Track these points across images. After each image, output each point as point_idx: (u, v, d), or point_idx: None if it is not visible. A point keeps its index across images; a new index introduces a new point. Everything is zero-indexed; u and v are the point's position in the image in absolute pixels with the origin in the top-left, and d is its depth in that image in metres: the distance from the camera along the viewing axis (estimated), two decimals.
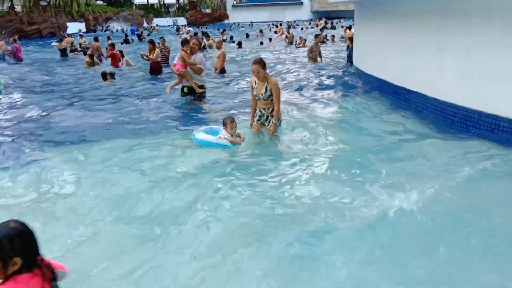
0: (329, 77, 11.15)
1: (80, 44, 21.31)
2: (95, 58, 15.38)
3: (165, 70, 12.55)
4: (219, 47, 11.95)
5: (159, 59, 12.36)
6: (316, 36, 14.01)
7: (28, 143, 5.98)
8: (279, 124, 5.76)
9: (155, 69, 12.21)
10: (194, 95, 7.94)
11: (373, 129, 6.21)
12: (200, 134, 5.38)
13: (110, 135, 6.39)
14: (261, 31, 30.07)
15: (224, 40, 20.79)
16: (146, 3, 51.76)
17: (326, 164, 4.69)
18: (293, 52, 18.37)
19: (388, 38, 8.47)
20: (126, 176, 4.59)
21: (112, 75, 11.71)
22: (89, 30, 37.30)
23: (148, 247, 3.18)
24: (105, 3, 46.79)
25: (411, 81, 7.37)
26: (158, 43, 13.30)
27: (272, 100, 5.52)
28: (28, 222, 1.83)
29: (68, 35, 25.27)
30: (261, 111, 5.70)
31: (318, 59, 13.73)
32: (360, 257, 2.92)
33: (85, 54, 16.51)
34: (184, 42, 7.65)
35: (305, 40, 20.13)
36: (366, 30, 10.19)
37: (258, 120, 5.75)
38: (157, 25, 41.47)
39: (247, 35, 28.29)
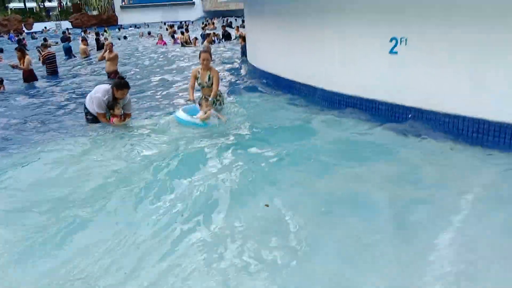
0: (228, 73, 11.51)
1: None
2: None
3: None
4: (110, 49, 11.48)
5: (31, 67, 11.76)
6: (207, 35, 14.23)
7: None
8: (223, 103, 6.68)
9: (30, 77, 11.65)
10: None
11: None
12: (180, 112, 6.14)
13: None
14: (149, 32, 29.84)
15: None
16: (24, 7, 47.54)
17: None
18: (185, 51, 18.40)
19: (275, 35, 8.97)
20: None
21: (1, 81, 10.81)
22: None
23: None
24: None
25: (297, 73, 7.94)
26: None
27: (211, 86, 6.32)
28: None
29: None
30: (206, 97, 6.23)
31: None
32: None
33: None
34: None
35: (196, 39, 20.28)
36: (255, 27, 10.64)
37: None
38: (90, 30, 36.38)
39: (124, 37, 28.31)
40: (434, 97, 5.33)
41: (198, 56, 6.61)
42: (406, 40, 5.48)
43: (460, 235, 3.08)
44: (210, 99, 6.20)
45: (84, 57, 16.85)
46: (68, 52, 17.51)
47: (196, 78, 6.44)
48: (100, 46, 19.23)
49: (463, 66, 4.95)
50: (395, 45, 5.63)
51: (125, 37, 28.06)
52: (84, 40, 18.47)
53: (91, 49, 18.92)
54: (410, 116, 5.66)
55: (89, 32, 32.03)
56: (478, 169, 4.19)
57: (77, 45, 19.41)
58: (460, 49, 4.93)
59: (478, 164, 4.31)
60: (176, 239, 3.17)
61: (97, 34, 25.08)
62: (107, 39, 20.78)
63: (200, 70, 6.40)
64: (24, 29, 40.01)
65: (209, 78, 6.34)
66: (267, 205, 3.56)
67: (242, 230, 3.24)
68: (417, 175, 4.15)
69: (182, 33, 23.38)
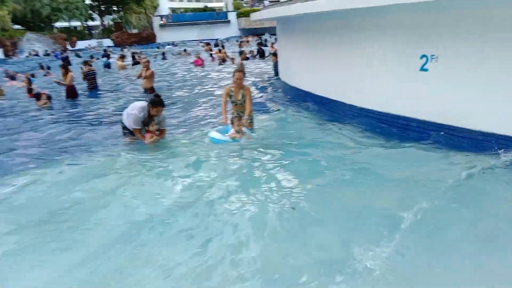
0: (259, 89, 11.70)
1: None
2: None
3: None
4: (147, 67, 11.95)
5: (73, 83, 12.41)
6: (241, 53, 14.48)
7: None
8: (253, 120, 6.75)
9: (70, 93, 12.28)
10: None
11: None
12: (213, 132, 6.49)
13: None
14: (185, 50, 30.15)
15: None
16: (68, 25, 49.98)
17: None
18: (221, 69, 18.81)
19: (305, 52, 9.09)
20: None
21: (49, 97, 11.52)
22: (7, 56, 35.43)
23: None
24: (24, 27, 44.51)
25: (326, 90, 8.01)
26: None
27: (245, 103, 6.48)
28: None
29: None
30: (239, 114, 6.49)
31: None
32: None
33: None
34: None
35: (233, 58, 20.66)
36: (286, 45, 10.81)
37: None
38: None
39: (163, 56, 27.59)
40: (465, 115, 5.26)
41: (232, 74, 6.75)
42: (436, 57, 5.46)
43: None
44: (245, 116, 6.36)
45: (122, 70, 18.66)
46: (107, 67, 19.73)
47: (228, 95, 6.60)
48: (135, 62, 20.66)
49: (496, 84, 4.87)
50: (425, 63, 5.62)
51: (163, 56, 27.30)
52: (122, 57, 19.61)
53: (127, 65, 20.22)
54: (441, 133, 5.60)
55: (127, 50, 33.16)
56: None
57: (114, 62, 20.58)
58: (492, 66, 4.86)
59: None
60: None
61: (133, 53, 26.10)
62: (139, 57, 21.71)
63: (232, 88, 6.56)
64: (68, 46, 42.05)
65: (242, 96, 6.51)
66: (293, 208, 3.68)
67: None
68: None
69: (220, 50, 23.94)
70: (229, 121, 6.47)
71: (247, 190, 4.34)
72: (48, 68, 21.61)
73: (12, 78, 17.36)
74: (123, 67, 19.36)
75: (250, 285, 2.86)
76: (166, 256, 3.26)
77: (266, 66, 17.61)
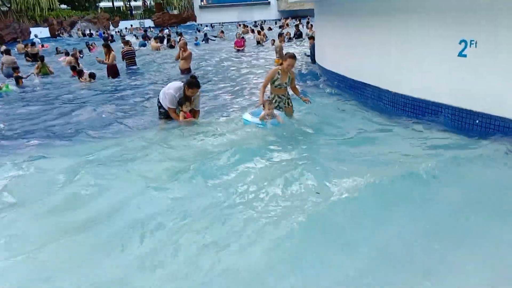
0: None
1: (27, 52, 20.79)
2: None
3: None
4: (184, 48, 12.15)
5: (115, 62, 12.92)
6: (280, 35, 14.42)
7: None
8: (291, 103, 6.75)
9: (112, 72, 12.80)
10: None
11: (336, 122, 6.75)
12: (246, 114, 6.60)
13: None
14: (222, 31, 30.19)
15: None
16: (112, 6, 51.15)
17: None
18: (259, 52, 18.81)
19: (341, 36, 8.97)
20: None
21: (93, 75, 12.09)
22: (53, 35, 36.72)
23: None
24: (69, 7, 45.96)
25: (365, 75, 7.90)
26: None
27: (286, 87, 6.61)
28: None
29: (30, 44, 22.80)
30: (280, 97, 6.60)
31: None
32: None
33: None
34: None
35: (274, 40, 20.59)
36: (323, 28, 10.68)
37: (277, 106, 6.55)
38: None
39: (205, 36, 27.50)
40: (503, 103, 5.10)
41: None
42: (476, 42, 5.29)
43: None
44: (301, 95, 6.73)
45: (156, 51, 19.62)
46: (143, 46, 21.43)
47: (272, 79, 6.50)
48: (170, 45, 21.39)
49: None
50: (464, 48, 5.45)
51: (206, 37, 26.52)
52: (157, 38, 20.38)
53: (162, 46, 21.28)
54: (477, 121, 5.46)
55: (168, 31, 33.63)
56: None
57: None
58: None
59: None
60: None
61: (168, 35, 26.39)
62: (174, 40, 22.19)
63: (280, 71, 6.45)
64: (111, 26, 43.15)
65: (288, 79, 6.48)
66: (318, 193, 3.76)
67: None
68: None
69: (259, 31, 23.89)
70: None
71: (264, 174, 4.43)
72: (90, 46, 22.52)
73: (66, 54, 18.12)
74: (158, 48, 20.36)
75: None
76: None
77: (304, 48, 17.47)
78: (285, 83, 6.49)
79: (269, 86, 6.56)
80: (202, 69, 14.12)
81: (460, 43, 5.48)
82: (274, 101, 6.55)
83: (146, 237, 3.32)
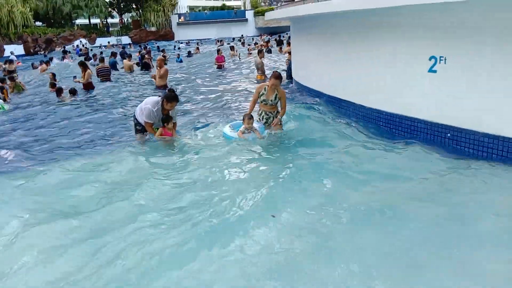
0: None
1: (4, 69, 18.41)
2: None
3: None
4: (161, 65, 12.11)
5: (90, 80, 12.88)
6: (259, 52, 14.54)
7: None
8: (281, 123, 6.81)
9: (88, 88, 12.83)
10: None
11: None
12: (226, 128, 6.69)
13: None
14: (197, 48, 30.37)
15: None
16: (88, 23, 50.78)
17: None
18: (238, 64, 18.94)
19: (316, 52, 9.13)
20: None
21: (74, 91, 11.80)
22: (28, 52, 36.10)
23: None
24: (44, 24, 45.38)
25: (341, 91, 8.03)
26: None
27: (276, 104, 6.65)
28: None
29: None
30: (267, 114, 6.71)
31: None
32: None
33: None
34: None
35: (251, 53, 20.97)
36: (299, 44, 10.84)
37: (265, 122, 6.69)
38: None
39: (189, 53, 28.08)
40: (472, 116, 5.25)
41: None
42: (445, 59, 5.45)
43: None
44: (279, 116, 6.65)
45: (128, 72, 17.11)
46: (113, 66, 17.30)
47: (259, 94, 6.63)
48: (144, 64, 18.25)
49: (503, 85, 4.86)
50: (434, 64, 5.61)
51: (189, 54, 27.61)
52: (130, 56, 18.70)
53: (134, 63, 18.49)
54: (448, 135, 5.59)
55: (148, 48, 33.22)
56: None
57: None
58: (497, 67, 4.85)
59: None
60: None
61: (142, 54, 24.66)
62: (150, 58, 20.33)
63: (266, 87, 6.57)
64: (87, 43, 42.71)
65: (275, 97, 6.53)
66: (273, 216, 3.70)
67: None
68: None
69: (232, 47, 24.05)
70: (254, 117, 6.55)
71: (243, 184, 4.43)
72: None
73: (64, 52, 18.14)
74: (131, 68, 17.30)
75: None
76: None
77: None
78: (271, 100, 6.52)
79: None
80: (180, 85, 14.06)
81: (430, 59, 5.65)
82: (261, 117, 6.63)
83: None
